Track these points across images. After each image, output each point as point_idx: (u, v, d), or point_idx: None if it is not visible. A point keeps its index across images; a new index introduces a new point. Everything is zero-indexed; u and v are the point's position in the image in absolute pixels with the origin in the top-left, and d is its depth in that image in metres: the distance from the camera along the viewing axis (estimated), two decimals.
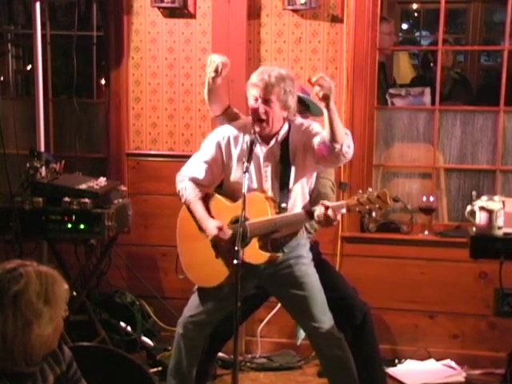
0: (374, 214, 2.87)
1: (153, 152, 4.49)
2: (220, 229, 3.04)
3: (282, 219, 2.98)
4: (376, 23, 4.18)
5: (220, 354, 4.01)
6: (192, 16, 4.34)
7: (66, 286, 2.09)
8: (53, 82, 4.70)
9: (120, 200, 3.90)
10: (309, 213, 2.95)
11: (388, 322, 4.30)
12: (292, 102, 3.01)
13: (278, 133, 3.07)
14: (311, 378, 4.11)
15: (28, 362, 2.02)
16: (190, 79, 4.38)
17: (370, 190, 2.85)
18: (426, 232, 4.28)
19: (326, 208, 2.86)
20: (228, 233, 3.04)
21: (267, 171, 3.06)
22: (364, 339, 3.57)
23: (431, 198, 4.20)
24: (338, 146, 2.85)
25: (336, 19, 4.19)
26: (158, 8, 4.34)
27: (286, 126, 3.09)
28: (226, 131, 3.15)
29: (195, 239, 3.15)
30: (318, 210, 2.89)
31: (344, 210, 2.90)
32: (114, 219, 3.67)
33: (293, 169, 3.05)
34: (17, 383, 2.02)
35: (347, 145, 2.89)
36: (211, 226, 3.07)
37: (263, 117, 3.00)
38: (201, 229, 3.12)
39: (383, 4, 4.76)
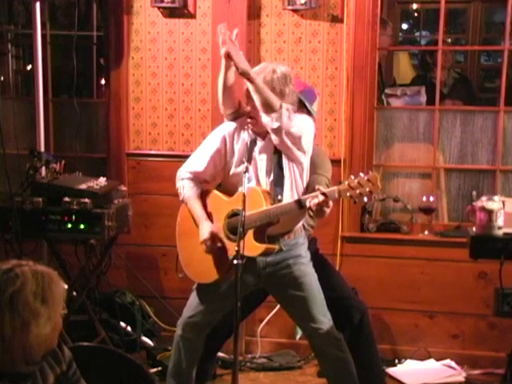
0: (365, 199, 2.83)
1: (153, 152, 4.49)
2: (212, 234, 3.05)
3: (276, 209, 2.98)
4: (376, 23, 4.18)
5: (220, 354, 4.02)
6: (192, 16, 4.34)
7: (63, 284, 2.09)
8: (53, 82, 4.70)
9: (120, 200, 3.90)
10: (299, 202, 2.93)
11: (388, 322, 4.30)
12: (291, 97, 3.02)
13: None
14: (311, 378, 4.11)
15: (28, 361, 2.02)
16: (190, 79, 4.38)
17: (362, 174, 2.84)
18: (426, 232, 4.27)
19: (322, 194, 2.84)
20: (215, 246, 3.05)
21: (262, 164, 3.08)
22: (362, 339, 3.56)
23: (431, 198, 4.20)
24: (272, 117, 2.90)
25: (336, 19, 4.19)
26: (158, 8, 4.34)
27: None
28: (232, 125, 3.17)
29: (193, 236, 3.15)
30: (311, 198, 2.88)
31: (336, 195, 2.87)
32: (114, 219, 3.67)
33: (284, 160, 3.06)
34: (17, 383, 2.02)
35: (282, 115, 2.91)
36: (205, 229, 3.08)
37: None
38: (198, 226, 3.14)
39: (383, 4, 4.76)
